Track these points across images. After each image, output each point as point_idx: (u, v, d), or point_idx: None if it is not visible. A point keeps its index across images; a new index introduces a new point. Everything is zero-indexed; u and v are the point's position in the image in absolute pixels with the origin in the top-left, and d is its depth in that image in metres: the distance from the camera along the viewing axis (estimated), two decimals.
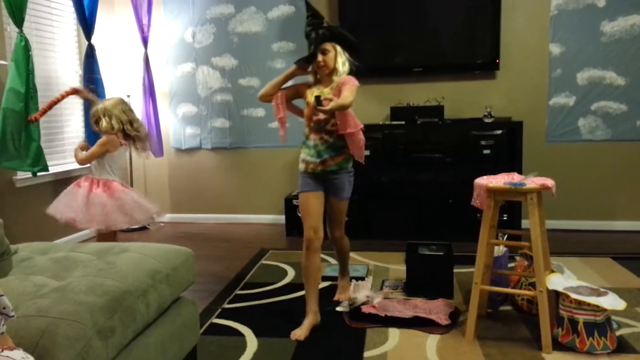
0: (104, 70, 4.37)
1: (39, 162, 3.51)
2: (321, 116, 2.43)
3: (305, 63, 2.52)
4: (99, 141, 3.15)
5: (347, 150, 2.51)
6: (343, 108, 2.32)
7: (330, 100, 2.28)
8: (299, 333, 2.38)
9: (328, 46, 2.46)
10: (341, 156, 2.50)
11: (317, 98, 2.30)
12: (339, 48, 2.49)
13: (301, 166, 2.54)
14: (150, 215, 3.23)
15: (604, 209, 4.26)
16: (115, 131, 3.11)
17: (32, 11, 3.59)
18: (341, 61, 2.49)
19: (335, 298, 2.79)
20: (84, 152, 3.17)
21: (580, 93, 4.21)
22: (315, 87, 2.54)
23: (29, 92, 3.41)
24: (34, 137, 3.46)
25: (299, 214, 4.29)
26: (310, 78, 2.60)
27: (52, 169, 3.81)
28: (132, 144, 3.21)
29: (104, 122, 3.10)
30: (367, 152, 4.07)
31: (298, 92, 2.60)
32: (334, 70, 2.49)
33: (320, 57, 2.45)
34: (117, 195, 3.07)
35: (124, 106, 3.19)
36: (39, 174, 3.61)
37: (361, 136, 2.50)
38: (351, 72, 2.53)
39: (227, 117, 4.81)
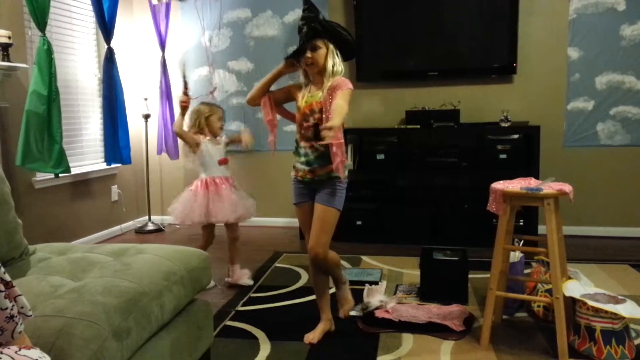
0: (123, 73, 4.43)
1: (61, 163, 3.57)
2: (311, 123, 2.28)
3: (293, 59, 2.33)
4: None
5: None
6: (341, 120, 2.11)
7: (328, 126, 2.04)
8: (312, 336, 2.38)
9: (319, 42, 2.25)
10: (331, 166, 2.27)
11: (317, 126, 2.20)
12: (331, 46, 2.27)
13: (292, 173, 2.42)
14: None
15: (622, 215, 4.19)
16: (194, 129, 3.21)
17: (53, 15, 3.65)
18: (331, 62, 2.27)
19: (340, 315, 2.57)
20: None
21: (599, 97, 4.15)
22: (306, 90, 2.35)
23: (52, 95, 3.47)
24: (56, 139, 3.52)
25: None
26: (301, 78, 2.40)
27: (72, 171, 3.85)
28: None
29: (190, 124, 3.24)
30: (382, 156, 4.11)
31: (289, 94, 2.42)
32: (324, 70, 2.28)
33: (308, 54, 2.25)
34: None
35: (207, 107, 3.27)
36: (60, 175, 3.66)
37: (342, 149, 2.26)
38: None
39: (243, 120, 4.83)
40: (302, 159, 2.35)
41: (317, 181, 2.34)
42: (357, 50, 2.35)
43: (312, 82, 2.35)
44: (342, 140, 2.26)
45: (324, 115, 2.26)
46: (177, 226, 4.91)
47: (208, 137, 3.21)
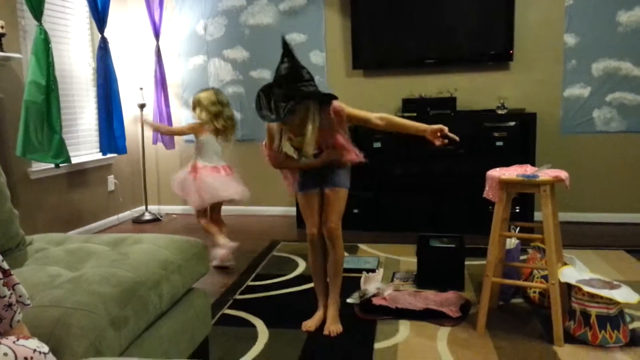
0: (117, 62, 4.40)
1: (61, 153, 3.57)
2: (310, 161, 2.31)
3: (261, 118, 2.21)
4: (189, 124, 3.54)
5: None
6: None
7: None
8: (310, 324, 2.40)
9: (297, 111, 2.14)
10: (336, 161, 2.37)
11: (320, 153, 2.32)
12: (311, 107, 2.16)
13: None
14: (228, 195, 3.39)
15: (618, 201, 4.21)
16: (206, 122, 3.33)
17: (47, 4, 3.62)
18: (311, 125, 2.17)
19: (325, 332, 2.35)
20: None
21: (596, 84, 4.15)
22: (285, 134, 2.26)
23: (50, 85, 3.45)
24: (55, 129, 3.51)
25: None
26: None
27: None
28: (218, 134, 3.40)
29: (197, 112, 3.36)
30: (378, 144, 4.11)
31: (272, 135, 2.31)
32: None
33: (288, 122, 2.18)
34: (199, 177, 3.34)
35: (216, 97, 3.36)
36: (60, 165, 3.66)
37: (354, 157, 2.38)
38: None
39: (239, 109, 4.81)
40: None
41: (325, 168, 2.37)
42: (330, 95, 2.20)
43: (291, 127, 2.24)
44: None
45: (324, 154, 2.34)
46: (174, 216, 4.91)
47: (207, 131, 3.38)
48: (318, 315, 2.45)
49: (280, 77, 2.16)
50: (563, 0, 4.13)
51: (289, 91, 2.10)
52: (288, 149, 2.33)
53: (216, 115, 3.32)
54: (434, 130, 2.35)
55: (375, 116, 2.35)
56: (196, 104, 3.35)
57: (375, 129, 2.46)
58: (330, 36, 4.58)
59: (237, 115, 4.82)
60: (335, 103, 2.25)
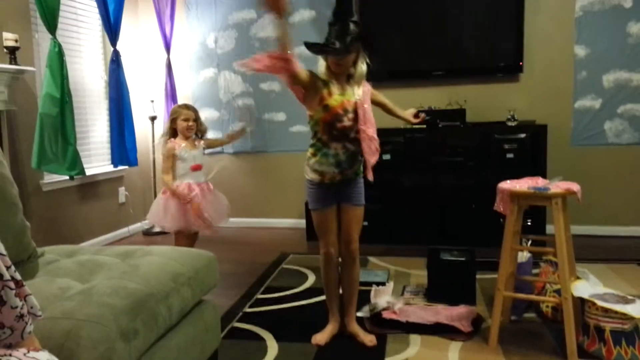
0: (129, 75, 4.44)
1: (75, 165, 3.60)
2: (347, 123, 2.24)
3: (319, 53, 2.27)
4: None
5: (361, 157, 2.34)
6: None
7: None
8: (320, 338, 2.38)
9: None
10: (357, 163, 2.34)
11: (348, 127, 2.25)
12: (361, 50, 2.26)
13: (314, 177, 2.30)
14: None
15: (631, 214, 4.16)
16: (167, 137, 3.26)
17: (60, 18, 3.67)
18: (363, 66, 2.29)
19: (369, 344, 2.34)
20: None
21: (607, 96, 4.13)
22: (333, 87, 2.25)
23: (64, 97, 3.50)
24: (70, 142, 3.55)
25: None
26: (319, 69, 2.30)
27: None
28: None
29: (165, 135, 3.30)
30: (387, 157, 4.10)
31: (314, 86, 2.24)
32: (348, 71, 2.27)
33: (340, 60, 2.21)
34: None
35: (177, 109, 3.28)
36: (74, 177, 3.70)
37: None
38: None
39: (249, 121, 4.83)
40: (332, 160, 2.26)
41: (344, 181, 2.33)
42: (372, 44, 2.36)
43: (336, 78, 2.27)
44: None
45: (360, 115, 2.28)
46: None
47: (183, 144, 3.20)
48: (330, 329, 2.43)
49: (338, 13, 2.25)
50: (573, 12, 4.12)
51: (347, 27, 2.18)
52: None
53: (186, 120, 3.20)
54: (411, 113, 2.65)
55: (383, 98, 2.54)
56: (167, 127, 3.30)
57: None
58: None
59: (247, 128, 4.85)
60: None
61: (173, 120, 3.22)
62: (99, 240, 4.30)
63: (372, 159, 2.29)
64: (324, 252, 2.40)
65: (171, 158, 3.19)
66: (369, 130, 2.28)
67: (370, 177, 2.32)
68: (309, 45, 2.22)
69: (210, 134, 4.89)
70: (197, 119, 3.27)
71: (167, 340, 1.65)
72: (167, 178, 3.17)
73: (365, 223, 4.13)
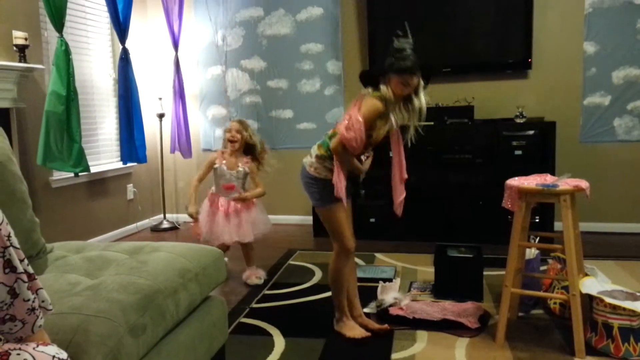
0: (137, 73, 4.46)
1: (80, 162, 3.62)
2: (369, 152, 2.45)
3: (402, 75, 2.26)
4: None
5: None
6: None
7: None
8: (359, 332, 2.36)
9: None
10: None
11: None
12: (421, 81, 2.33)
13: (327, 174, 2.35)
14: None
15: None
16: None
17: (69, 16, 3.70)
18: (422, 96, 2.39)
19: (381, 332, 2.42)
20: None
21: (616, 92, 4.09)
22: (390, 117, 2.30)
23: (70, 95, 3.52)
24: (75, 139, 3.57)
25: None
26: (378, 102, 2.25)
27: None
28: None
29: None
30: None
31: (379, 116, 2.28)
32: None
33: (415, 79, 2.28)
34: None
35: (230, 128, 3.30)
36: (80, 174, 3.72)
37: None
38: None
39: (256, 118, 4.85)
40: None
41: (348, 178, 2.38)
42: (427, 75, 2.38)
43: (392, 108, 2.26)
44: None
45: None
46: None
47: (225, 160, 3.23)
48: (356, 324, 2.43)
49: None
50: (582, 8, 4.09)
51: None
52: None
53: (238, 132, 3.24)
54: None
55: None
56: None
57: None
58: (346, 46, 4.59)
59: (255, 125, 4.86)
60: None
61: (226, 132, 3.28)
62: (108, 236, 4.33)
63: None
64: (350, 247, 2.35)
65: (208, 167, 3.26)
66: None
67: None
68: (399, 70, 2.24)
69: (219, 131, 4.93)
70: (242, 130, 3.22)
71: (174, 335, 1.66)
72: (192, 185, 3.29)
73: (372, 219, 4.19)
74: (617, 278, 2.92)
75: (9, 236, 1.03)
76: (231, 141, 3.21)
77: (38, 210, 3.50)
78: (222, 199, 3.24)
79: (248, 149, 3.29)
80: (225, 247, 3.28)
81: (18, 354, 0.99)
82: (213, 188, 3.32)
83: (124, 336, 1.36)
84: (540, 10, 4.11)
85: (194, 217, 3.21)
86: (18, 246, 1.05)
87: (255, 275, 3.21)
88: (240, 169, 3.25)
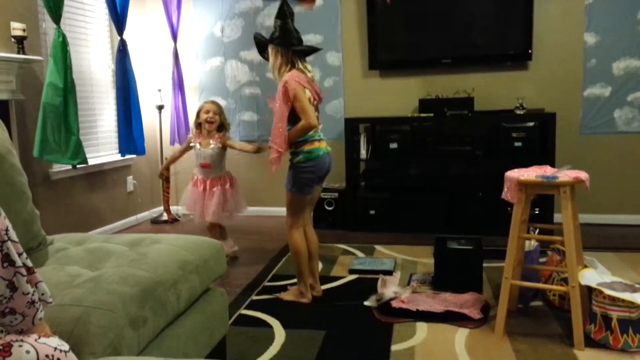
0: (135, 64, 4.44)
1: (78, 155, 3.61)
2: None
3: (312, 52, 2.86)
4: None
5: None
6: None
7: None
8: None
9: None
10: None
11: None
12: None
13: (317, 165, 2.62)
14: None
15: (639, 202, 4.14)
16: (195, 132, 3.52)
17: (67, 7, 3.68)
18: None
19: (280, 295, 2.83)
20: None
21: (616, 84, 4.08)
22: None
23: (68, 87, 3.50)
24: (72, 131, 3.56)
25: (328, 207, 4.30)
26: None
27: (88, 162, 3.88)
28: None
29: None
30: (394, 145, 4.10)
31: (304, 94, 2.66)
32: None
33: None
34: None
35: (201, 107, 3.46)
36: (78, 166, 3.71)
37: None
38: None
39: (256, 110, 4.84)
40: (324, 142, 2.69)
41: None
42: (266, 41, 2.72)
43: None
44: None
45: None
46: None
47: (199, 140, 3.40)
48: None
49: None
50: None
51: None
52: None
53: (198, 113, 3.44)
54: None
55: None
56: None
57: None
58: (346, 37, 4.57)
59: (254, 117, 4.85)
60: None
61: (197, 114, 3.43)
62: (108, 228, 4.33)
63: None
64: (300, 224, 2.71)
65: (186, 147, 3.51)
66: None
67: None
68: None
69: None
70: (219, 113, 3.42)
71: (175, 327, 1.66)
72: (171, 156, 3.68)
73: (372, 211, 4.20)
74: (616, 270, 2.93)
75: (6, 230, 1.03)
76: (209, 122, 3.38)
77: (38, 203, 3.49)
78: (199, 177, 3.45)
79: (217, 129, 3.45)
80: (215, 230, 3.50)
81: (20, 346, 1.00)
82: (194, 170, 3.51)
83: (125, 328, 1.37)
84: (541, 1, 4.09)
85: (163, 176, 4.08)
86: (16, 240, 1.05)
87: (229, 246, 3.46)
88: (213, 145, 3.38)
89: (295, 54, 2.63)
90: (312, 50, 2.78)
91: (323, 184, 2.81)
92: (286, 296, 2.79)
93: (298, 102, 2.49)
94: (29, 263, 1.08)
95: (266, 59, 2.72)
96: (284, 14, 2.62)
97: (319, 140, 2.64)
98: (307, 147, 2.58)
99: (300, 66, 2.63)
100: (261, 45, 2.72)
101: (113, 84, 4.44)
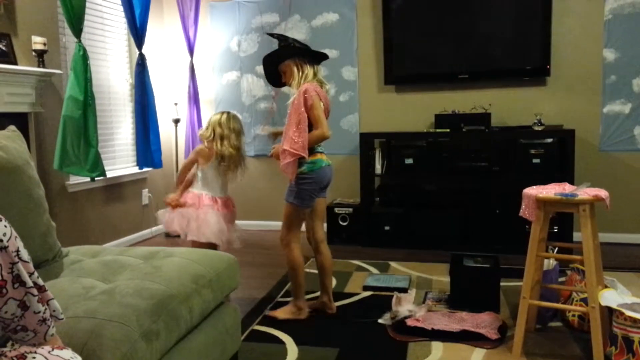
0: (153, 78, 4.50)
1: (97, 167, 3.65)
2: None
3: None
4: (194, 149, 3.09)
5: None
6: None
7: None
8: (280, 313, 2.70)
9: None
10: None
11: None
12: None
13: (319, 176, 2.62)
14: (222, 238, 2.95)
15: None
16: (207, 140, 2.95)
17: (87, 22, 3.74)
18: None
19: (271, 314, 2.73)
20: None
21: (637, 100, 4.03)
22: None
23: (87, 100, 3.55)
24: (92, 144, 3.60)
25: (342, 222, 4.28)
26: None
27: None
28: (221, 163, 2.97)
29: (203, 129, 3.04)
30: (410, 161, 4.08)
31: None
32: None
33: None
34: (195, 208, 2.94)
35: (227, 120, 2.98)
36: (96, 179, 3.74)
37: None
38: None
39: (271, 124, 4.85)
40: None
41: None
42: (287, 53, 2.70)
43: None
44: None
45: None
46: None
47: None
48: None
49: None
50: (602, 15, 4.04)
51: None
52: None
53: (221, 137, 2.93)
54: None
55: None
56: (208, 125, 3.00)
57: None
58: (362, 52, 4.58)
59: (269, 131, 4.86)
60: None
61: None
62: (122, 241, 4.35)
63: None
64: (299, 242, 2.73)
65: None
66: None
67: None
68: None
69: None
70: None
71: (187, 341, 1.65)
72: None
73: (387, 227, 4.17)
74: (637, 290, 2.86)
75: (17, 251, 1.05)
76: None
77: (54, 215, 3.53)
78: (204, 196, 3.00)
79: None
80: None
81: (34, 357, 1.00)
82: (203, 190, 3.03)
83: (138, 341, 1.36)
84: (559, 16, 4.07)
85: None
86: (27, 259, 1.07)
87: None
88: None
89: (313, 64, 2.67)
90: (326, 56, 2.78)
91: (325, 195, 2.79)
92: (281, 314, 2.70)
93: (315, 111, 2.51)
94: (40, 282, 1.10)
95: (274, 83, 2.84)
96: (284, 36, 2.75)
97: (321, 152, 2.66)
98: (311, 158, 2.58)
99: (320, 77, 2.68)
100: (274, 65, 2.73)
101: (131, 98, 4.49)
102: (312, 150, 2.58)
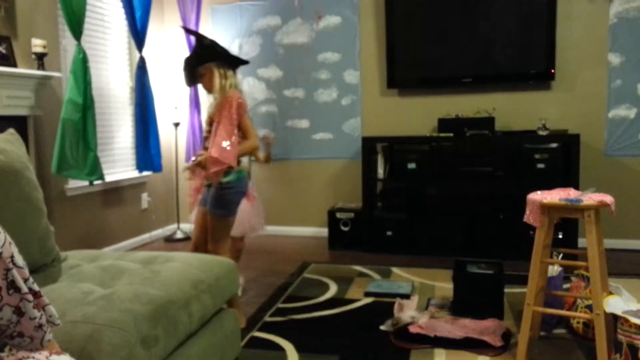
0: (154, 81, 4.48)
1: (95, 171, 3.63)
2: None
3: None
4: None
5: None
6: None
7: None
8: None
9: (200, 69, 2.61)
10: None
11: None
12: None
13: (243, 185, 2.60)
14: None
15: None
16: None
17: (87, 25, 3.73)
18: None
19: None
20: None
21: None
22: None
23: (87, 103, 3.54)
24: (91, 147, 3.58)
25: (343, 227, 4.25)
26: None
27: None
28: None
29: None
30: (413, 165, 4.05)
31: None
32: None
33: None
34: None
35: None
36: (94, 182, 3.72)
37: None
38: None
39: (272, 128, 4.83)
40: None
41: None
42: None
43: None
44: None
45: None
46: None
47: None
48: None
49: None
50: (607, 19, 4.02)
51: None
52: None
53: None
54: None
55: None
56: None
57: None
58: (364, 55, 4.57)
59: (271, 134, 4.84)
60: None
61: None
62: (121, 245, 4.32)
63: None
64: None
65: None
66: None
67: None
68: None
69: None
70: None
71: (186, 347, 1.63)
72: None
73: (389, 232, 4.14)
74: None
75: (12, 257, 1.04)
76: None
77: (53, 218, 3.51)
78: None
79: None
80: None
81: None
82: None
83: (136, 347, 1.34)
84: (564, 20, 4.05)
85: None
86: (22, 265, 1.06)
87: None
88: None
89: (234, 70, 2.65)
90: (245, 62, 2.80)
91: None
92: None
93: (247, 121, 2.55)
94: (36, 287, 1.09)
95: (191, 82, 2.73)
96: (209, 39, 2.68)
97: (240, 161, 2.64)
98: (237, 167, 2.55)
99: (240, 87, 2.69)
100: (193, 66, 2.64)
101: (131, 101, 4.48)
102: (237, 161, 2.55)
